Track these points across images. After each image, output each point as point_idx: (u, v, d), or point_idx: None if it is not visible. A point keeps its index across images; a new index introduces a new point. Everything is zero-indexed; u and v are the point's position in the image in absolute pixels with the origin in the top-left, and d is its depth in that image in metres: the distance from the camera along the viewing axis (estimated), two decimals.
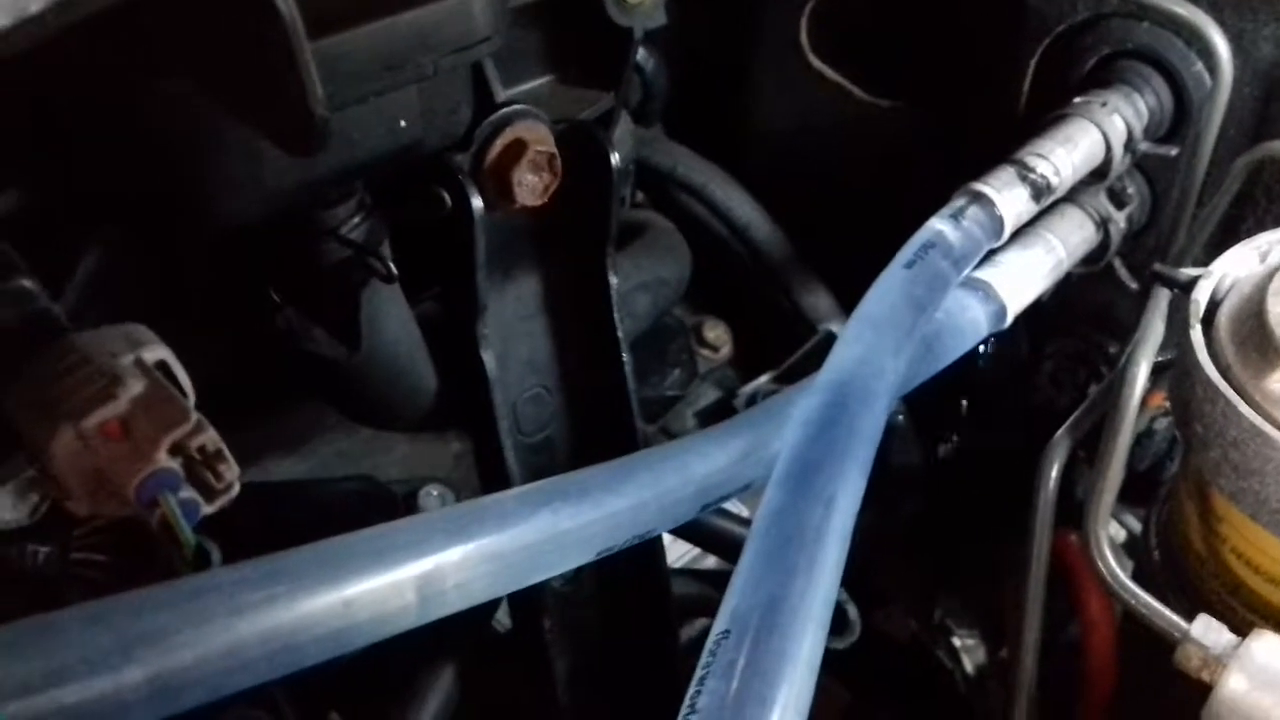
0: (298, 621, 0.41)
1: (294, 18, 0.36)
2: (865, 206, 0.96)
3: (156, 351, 0.46)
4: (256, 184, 0.49)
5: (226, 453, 0.44)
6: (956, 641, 1.14)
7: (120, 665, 0.39)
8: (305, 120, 0.38)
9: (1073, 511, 0.72)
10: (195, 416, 0.44)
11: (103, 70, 0.44)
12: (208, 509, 0.44)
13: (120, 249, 0.52)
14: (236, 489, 0.44)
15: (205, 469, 0.43)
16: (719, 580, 0.90)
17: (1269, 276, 0.63)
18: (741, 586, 0.49)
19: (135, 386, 0.44)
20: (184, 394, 0.46)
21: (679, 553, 0.92)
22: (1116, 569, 0.62)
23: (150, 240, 0.52)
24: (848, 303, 0.89)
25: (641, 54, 0.97)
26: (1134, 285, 0.90)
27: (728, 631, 0.46)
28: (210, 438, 0.43)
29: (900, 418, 0.95)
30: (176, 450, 0.43)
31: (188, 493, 0.43)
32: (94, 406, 0.43)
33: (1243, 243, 0.67)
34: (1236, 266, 0.66)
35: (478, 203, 0.60)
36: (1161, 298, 0.72)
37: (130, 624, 0.39)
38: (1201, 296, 0.64)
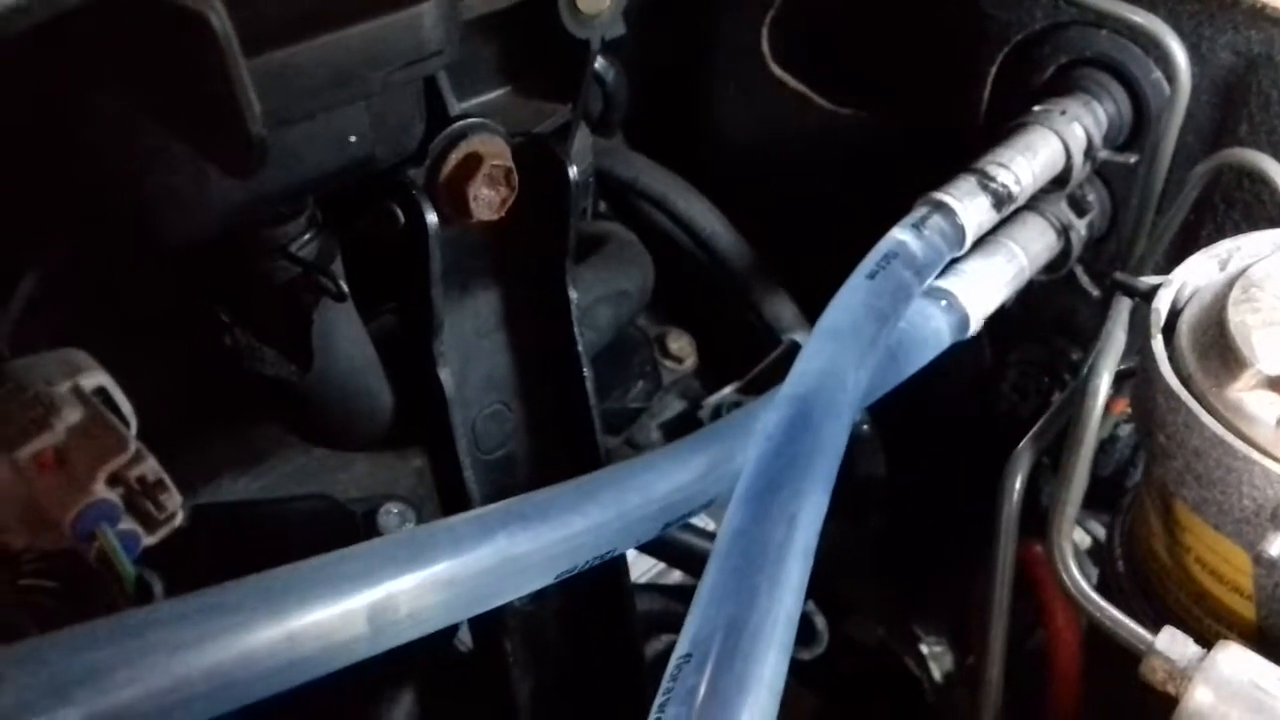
0: (242, 657, 0.40)
1: (229, 35, 0.35)
2: (827, 214, 0.96)
3: (95, 378, 0.44)
4: (202, 203, 0.47)
5: (168, 482, 0.42)
6: (924, 649, 1.14)
7: (56, 707, 0.37)
8: (243, 141, 0.37)
9: (1039, 517, 0.72)
10: (134, 445, 0.42)
11: (38, 87, 0.42)
12: (149, 540, 0.42)
13: (61, 270, 0.50)
14: (180, 518, 0.43)
15: (145, 499, 0.42)
16: (684, 595, 0.90)
17: (1229, 285, 0.63)
18: (703, 609, 0.48)
19: (72, 415, 0.42)
20: (124, 421, 0.44)
21: (643, 568, 0.92)
22: (1081, 581, 0.62)
23: (93, 261, 0.50)
24: (812, 311, 0.88)
25: (602, 63, 0.97)
26: (1095, 292, 0.90)
27: (689, 655, 0.45)
28: (150, 467, 0.42)
29: (865, 428, 0.94)
30: (115, 480, 0.41)
31: (127, 524, 0.41)
32: (29, 436, 0.42)
33: (1203, 250, 0.67)
34: (1196, 275, 0.66)
35: (432, 218, 0.59)
36: (1122, 306, 0.72)
37: (67, 663, 0.38)
38: (1162, 305, 0.64)
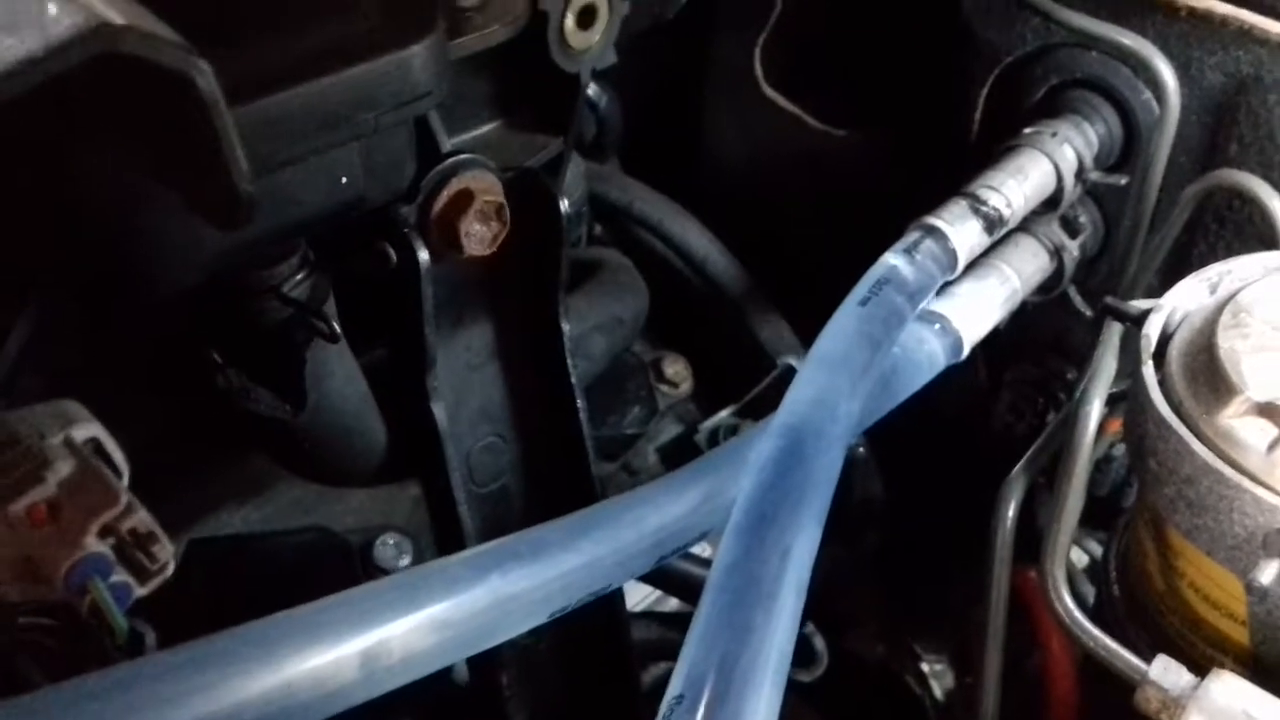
0: (234, 708, 0.40)
1: (215, 95, 0.35)
2: (821, 236, 0.97)
3: (88, 429, 0.44)
4: (194, 249, 0.48)
5: (159, 533, 0.42)
6: (925, 666, 1.14)
7: None
8: (230, 196, 0.37)
9: (1035, 539, 0.72)
10: (125, 498, 0.42)
11: (32, 140, 0.43)
12: (141, 591, 0.42)
13: (54, 318, 0.50)
14: (172, 568, 0.43)
15: (137, 550, 0.42)
16: (681, 622, 0.90)
17: (1218, 310, 0.63)
18: (695, 647, 0.48)
19: (64, 468, 0.42)
20: (117, 471, 0.44)
21: (640, 595, 0.92)
22: (1075, 611, 0.62)
23: (86, 309, 0.50)
24: (807, 334, 0.89)
25: (595, 90, 0.97)
26: (1089, 312, 0.90)
27: (681, 696, 0.45)
28: (141, 519, 0.42)
29: (861, 450, 0.95)
30: (107, 532, 0.42)
31: (120, 576, 0.42)
32: (21, 490, 0.42)
33: (1193, 274, 0.68)
34: (1187, 299, 0.66)
35: (424, 255, 0.59)
36: (1113, 331, 0.72)
37: (59, 719, 0.38)
38: (1152, 331, 0.64)
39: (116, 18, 0.32)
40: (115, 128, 0.39)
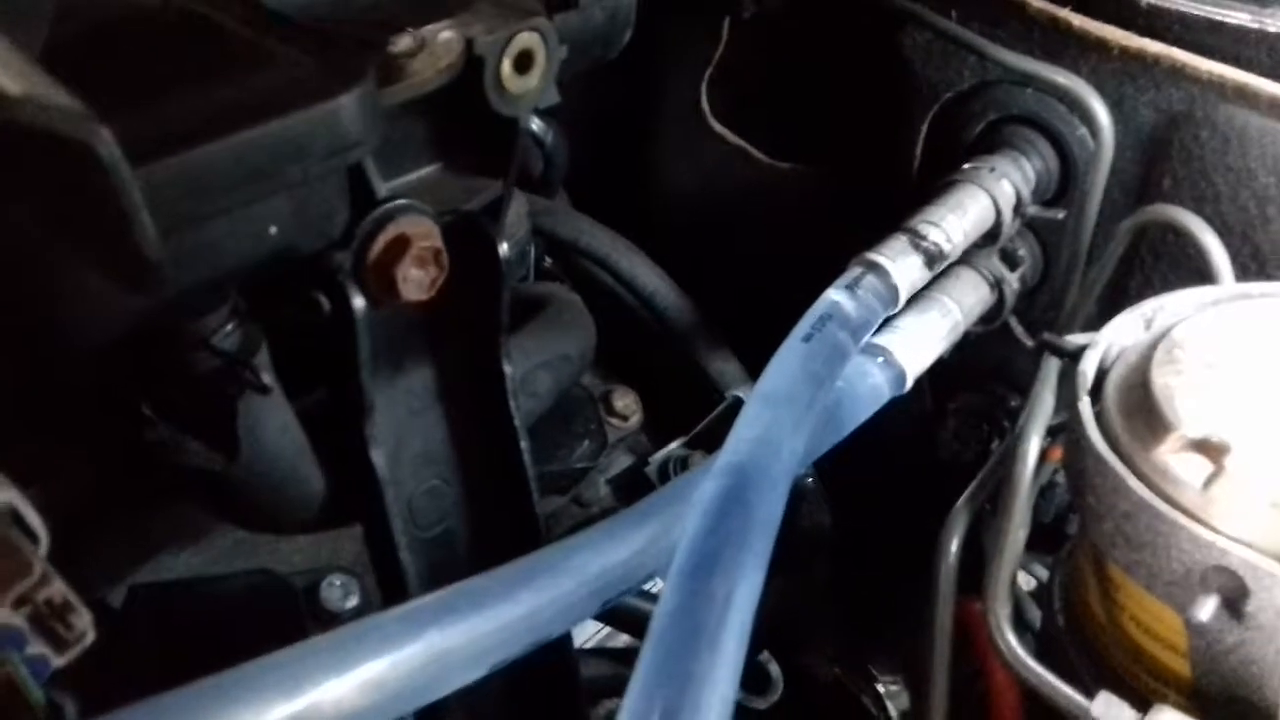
0: None
1: (116, 162, 0.34)
2: (768, 269, 0.97)
3: (3, 495, 0.43)
4: (114, 304, 0.47)
5: (76, 602, 0.41)
6: (880, 687, 1.15)
7: None
8: (138, 262, 0.36)
9: (981, 565, 0.72)
10: (40, 568, 0.41)
11: None
12: (59, 661, 0.41)
13: None
14: (91, 636, 0.42)
15: (55, 620, 0.41)
16: (630, 658, 0.89)
17: (1153, 346, 0.64)
18: (637, 697, 0.48)
19: None
20: (34, 538, 0.43)
21: (590, 631, 0.91)
22: (1017, 648, 0.62)
23: (5, 364, 0.49)
24: (755, 364, 0.89)
25: (540, 126, 0.97)
26: (1029, 343, 0.92)
27: None
28: (57, 590, 0.41)
29: (810, 480, 0.95)
30: (22, 602, 0.41)
31: (36, 648, 0.41)
32: None
33: (1128, 310, 0.68)
34: (1122, 335, 0.67)
35: (359, 302, 0.58)
36: (1051, 366, 0.73)
37: None
38: (1088, 367, 0.65)
39: (12, 87, 0.31)
40: (19, 192, 0.38)
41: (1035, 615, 0.80)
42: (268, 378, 0.55)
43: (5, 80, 0.30)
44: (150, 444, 0.55)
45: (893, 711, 1.14)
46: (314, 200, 0.53)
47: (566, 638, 0.74)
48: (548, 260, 1.03)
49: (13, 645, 0.40)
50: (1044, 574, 0.90)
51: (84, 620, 0.41)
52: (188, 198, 0.44)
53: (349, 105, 0.50)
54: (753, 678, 1.04)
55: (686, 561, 0.54)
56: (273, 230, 0.51)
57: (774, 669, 1.04)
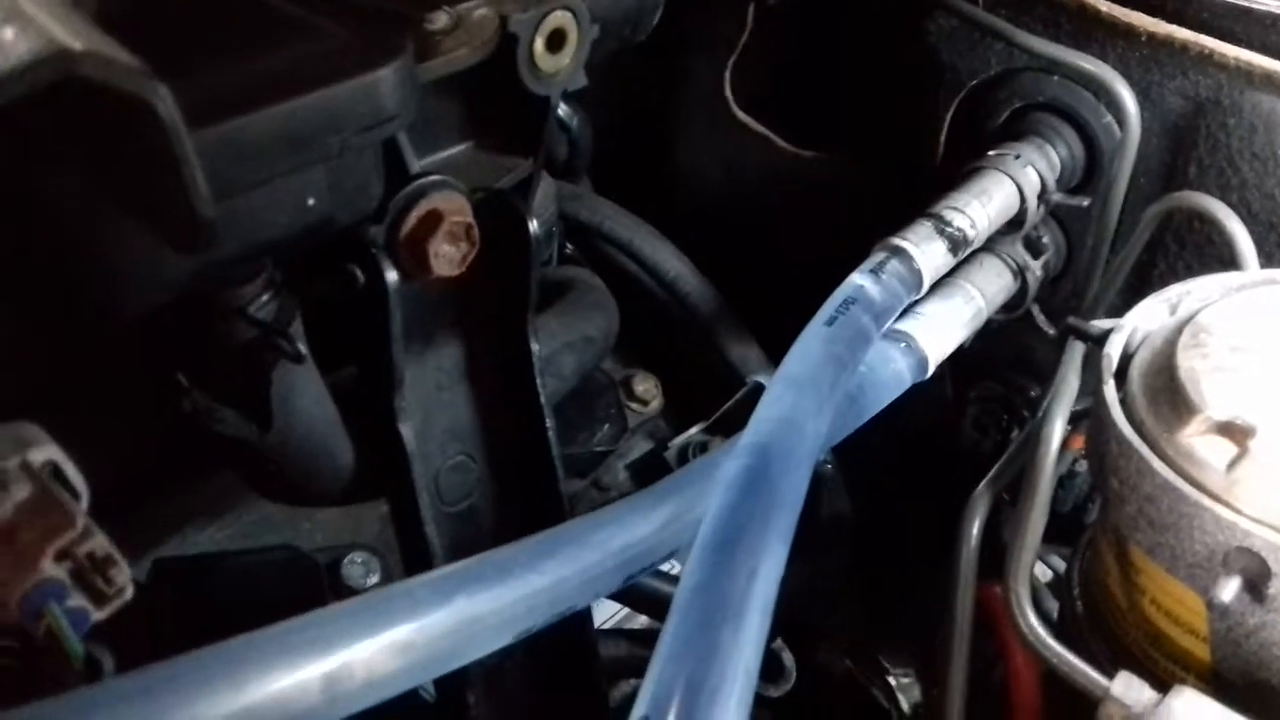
0: None
1: (174, 120, 0.35)
2: (790, 256, 0.97)
3: (45, 451, 0.44)
4: (157, 271, 0.47)
5: (117, 556, 0.42)
6: (892, 680, 1.15)
7: None
8: (191, 220, 0.37)
9: (999, 554, 0.73)
10: (83, 522, 0.42)
11: None
12: (98, 615, 0.42)
13: (11, 338, 0.50)
14: (130, 592, 0.43)
15: (95, 574, 0.42)
16: (649, 639, 0.90)
17: (1178, 330, 0.64)
18: (661, 666, 0.48)
19: (20, 492, 0.42)
20: (75, 495, 0.44)
21: (609, 612, 0.92)
22: (1038, 628, 0.63)
23: (48, 331, 0.50)
24: (775, 351, 0.89)
25: (566, 111, 0.98)
26: (1052, 331, 0.92)
27: (646, 717, 0.45)
28: (99, 543, 0.42)
29: (828, 466, 0.95)
30: (64, 556, 0.41)
31: (76, 600, 0.41)
32: None
33: (1154, 294, 0.69)
34: (1148, 319, 0.67)
35: (392, 276, 0.59)
36: (1076, 350, 0.73)
37: None
38: (1114, 351, 0.65)
39: (74, 43, 0.32)
40: (74, 152, 0.38)
41: (1052, 606, 0.80)
42: (302, 348, 0.56)
43: (66, 36, 0.31)
44: (186, 413, 0.56)
45: (904, 704, 1.15)
46: (350, 174, 0.54)
47: (586, 615, 0.74)
48: (569, 246, 1.04)
49: (54, 597, 0.41)
50: (1061, 565, 0.90)
51: (124, 575, 0.42)
52: (229, 166, 0.45)
53: (387, 78, 0.51)
54: (766, 665, 1.04)
55: (711, 537, 0.55)
56: (311, 201, 0.52)
57: (787, 658, 1.05)
